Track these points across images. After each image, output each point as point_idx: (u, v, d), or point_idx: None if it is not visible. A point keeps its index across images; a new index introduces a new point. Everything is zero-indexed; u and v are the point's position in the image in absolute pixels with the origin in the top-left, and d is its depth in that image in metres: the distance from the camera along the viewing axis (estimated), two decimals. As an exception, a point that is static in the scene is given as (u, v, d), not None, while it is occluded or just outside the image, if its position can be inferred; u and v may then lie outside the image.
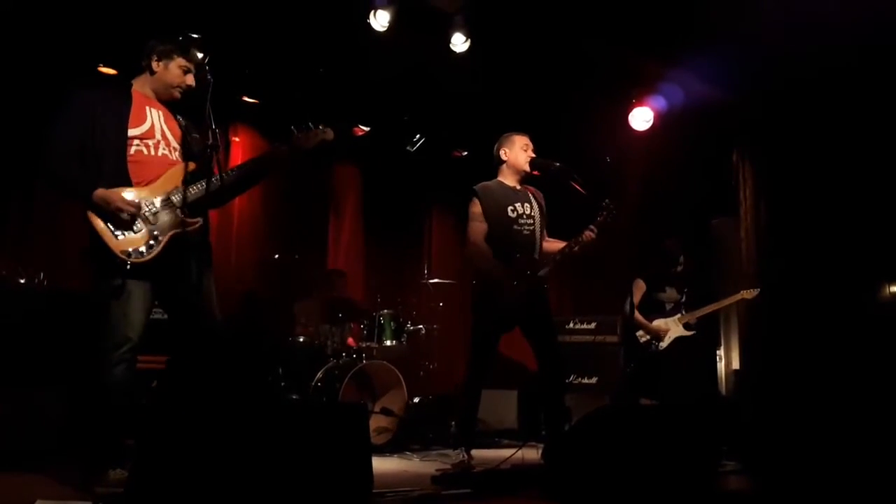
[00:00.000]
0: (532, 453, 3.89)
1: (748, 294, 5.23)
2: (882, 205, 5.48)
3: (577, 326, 5.82)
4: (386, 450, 4.64)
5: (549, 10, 4.91)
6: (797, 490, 3.31)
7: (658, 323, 5.23)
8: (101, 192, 2.83)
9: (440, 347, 6.07)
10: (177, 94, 3.10)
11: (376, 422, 4.72)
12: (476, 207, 3.91)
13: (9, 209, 5.07)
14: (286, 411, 2.65)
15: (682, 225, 6.32)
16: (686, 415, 3.22)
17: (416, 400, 5.21)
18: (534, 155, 3.99)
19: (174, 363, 3.13)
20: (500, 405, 5.42)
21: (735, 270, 6.25)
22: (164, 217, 2.93)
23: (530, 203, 3.97)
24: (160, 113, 3.08)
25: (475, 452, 3.87)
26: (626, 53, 5.39)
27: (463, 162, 7.18)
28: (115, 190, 2.86)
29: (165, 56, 3.06)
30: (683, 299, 5.30)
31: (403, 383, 4.99)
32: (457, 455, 3.81)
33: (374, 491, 2.68)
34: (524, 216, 3.91)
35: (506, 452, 3.90)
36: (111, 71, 5.15)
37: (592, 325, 5.77)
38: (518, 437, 5.00)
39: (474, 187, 3.97)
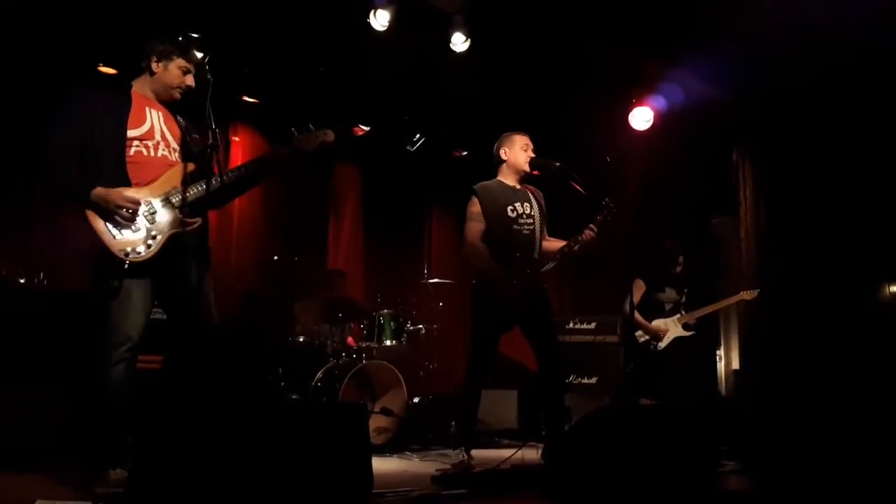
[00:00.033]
0: (532, 453, 3.89)
1: (748, 295, 5.23)
2: (882, 205, 5.48)
3: (577, 326, 5.82)
4: (386, 450, 4.64)
5: (549, 10, 4.91)
6: (797, 490, 3.31)
7: (657, 323, 5.23)
8: (100, 190, 2.83)
9: (440, 347, 6.07)
10: (177, 94, 3.10)
11: (376, 422, 4.72)
12: (475, 207, 3.91)
13: (9, 209, 5.07)
14: (286, 411, 2.65)
15: (682, 225, 6.32)
16: (686, 415, 3.22)
17: (416, 400, 5.22)
18: (534, 155, 3.99)
19: (171, 364, 3.12)
20: (500, 405, 5.42)
21: (735, 270, 6.25)
22: (163, 217, 2.92)
23: (530, 203, 3.96)
24: (160, 114, 3.08)
25: (475, 452, 3.87)
26: (626, 53, 5.39)
27: (463, 162, 7.17)
28: (115, 189, 2.86)
29: (165, 57, 3.06)
30: (683, 300, 5.30)
31: (403, 383, 4.99)
32: (457, 455, 3.81)
33: (374, 491, 2.68)
34: (524, 216, 3.90)
35: (506, 452, 3.90)
36: (111, 71, 5.15)
37: (592, 325, 5.77)
38: (518, 437, 5.00)
39: (474, 187, 3.97)
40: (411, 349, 5.71)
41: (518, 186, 4.01)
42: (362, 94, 6.04)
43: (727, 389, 6.38)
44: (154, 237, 2.89)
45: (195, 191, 2.96)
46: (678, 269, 5.33)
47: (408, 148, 6.99)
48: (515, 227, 3.87)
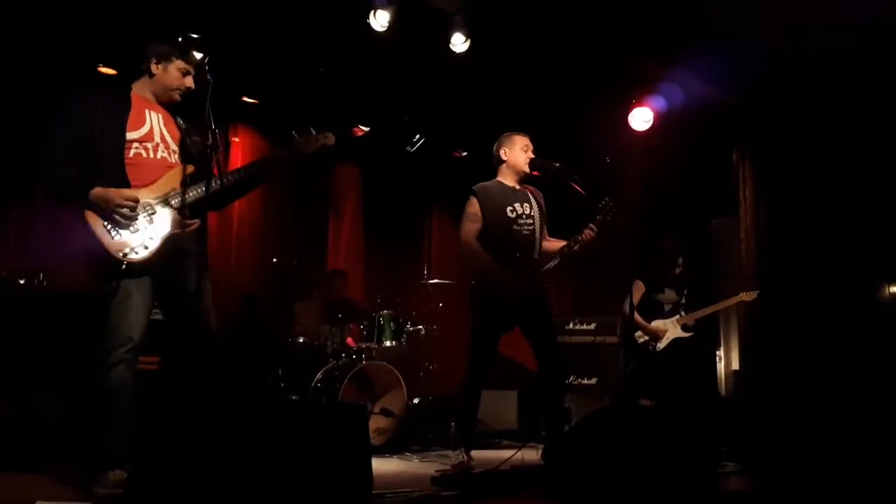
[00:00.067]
0: (532, 454, 3.89)
1: (747, 296, 5.23)
2: (882, 205, 5.48)
3: (577, 327, 5.82)
4: (386, 450, 4.64)
5: (549, 11, 4.91)
6: (797, 490, 3.31)
7: (656, 324, 5.23)
8: (98, 190, 2.83)
9: (440, 348, 6.07)
10: (176, 96, 3.11)
11: (376, 422, 4.72)
12: (472, 207, 3.90)
13: (9, 209, 5.07)
14: (286, 412, 2.65)
15: (682, 225, 6.32)
16: (686, 415, 3.22)
17: (416, 401, 5.22)
18: (533, 156, 3.99)
19: (168, 368, 3.12)
20: (500, 406, 5.42)
21: (735, 271, 6.25)
22: (162, 218, 2.93)
23: (530, 203, 3.96)
24: (159, 116, 3.08)
25: (475, 453, 3.87)
26: (625, 54, 5.39)
27: (463, 162, 7.18)
28: (115, 188, 2.86)
29: (164, 59, 3.06)
30: (683, 301, 5.30)
31: (403, 384, 4.99)
32: (456, 456, 3.81)
33: (373, 492, 2.68)
34: (524, 216, 3.90)
35: (505, 453, 3.91)
36: (111, 71, 5.15)
37: (592, 326, 5.76)
38: (518, 438, 5.00)
39: (473, 187, 3.96)
40: (411, 350, 5.71)
41: (517, 187, 4.01)
42: (362, 95, 6.04)
43: (727, 390, 6.38)
44: (152, 238, 2.89)
45: (194, 193, 2.96)
46: (677, 270, 5.33)
47: (408, 148, 6.99)
48: (515, 227, 3.87)
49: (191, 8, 4.65)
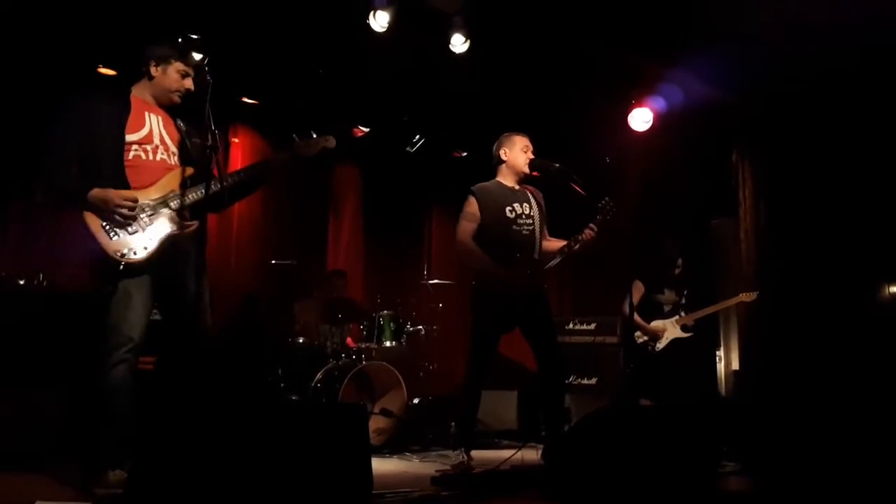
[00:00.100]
0: (532, 454, 3.89)
1: (747, 297, 5.23)
2: (881, 205, 5.48)
3: (577, 327, 5.82)
4: (386, 450, 4.64)
5: (549, 11, 4.91)
6: (797, 490, 3.31)
7: (655, 324, 5.24)
8: (97, 191, 2.84)
9: (440, 348, 6.07)
10: (176, 98, 3.11)
11: (376, 422, 4.72)
12: (470, 207, 3.90)
13: (9, 209, 5.07)
14: (286, 412, 2.65)
15: (682, 225, 6.32)
16: (686, 415, 3.22)
17: (416, 401, 5.22)
18: (533, 156, 3.99)
19: (164, 368, 3.13)
20: (500, 406, 5.42)
21: (734, 271, 6.25)
22: (161, 219, 2.94)
23: (529, 203, 3.96)
24: (159, 118, 3.09)
25: (475, 453, 3.87)
26: (625, 54, 5.39)
27: (463, 162, 7.18)
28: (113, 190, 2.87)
29: (163, 61, 3.07)
30: (683, 301, 5.30)
31: (403, 384, 4.99)
32: (456, 456, 3.81)
33: (373, 492, 2.68)
34: (523, 216, 3.90)
35: (505, 453, 3.91)
36: (111, 72, 5.15)
37: (592, 326, 5.76)
38: (518, 438, 5.00)
39: (471, 188, 3.96)
40: (411, 350, 5.71)
41: (517, 187, 4.01)
42: (362, 95, 6.04)
43: (727, 390, 6.38)
44: (151, 239, 2.90)
45: (194, 194, 2.98)
46: (677, 270, 5.34)
47: (408, 149, 6.99)
48: (515, 227, 3.87)
49: (190, 8, 4.65)
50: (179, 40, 3.14)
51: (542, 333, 3.86)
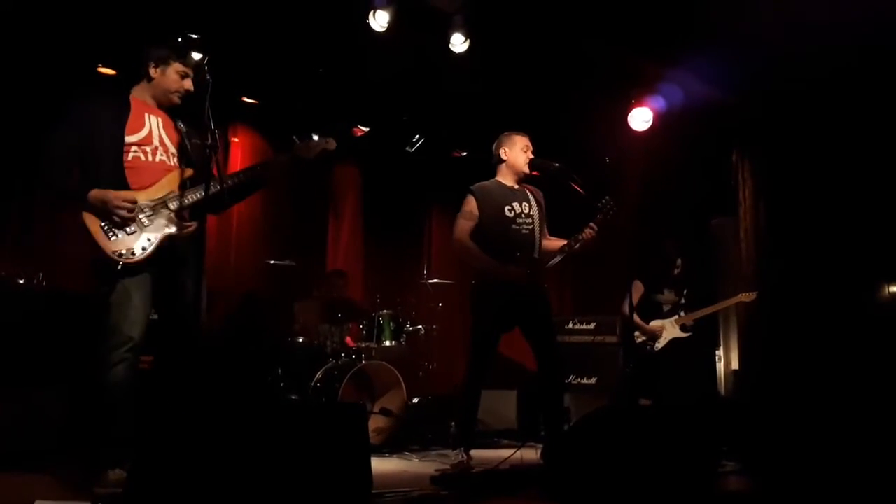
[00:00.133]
0: (531, 453, 3.89)
1: (746, 297, 5.24)
2: (881, 205, 5.48)
3: (577, 326, 5.82)
4: (385, 450, 4.64)
5: (549, 11, 4.91)
6: (797, 490, 3.31)
7: (655, 324, 5.24)
8: (96, 192, 2.85)
9: (439, 348, 6.07)
10: (176, 99, 3.12)
11: (375, 422, 4.72)
12: (469, 205, 3.90)
13: (9, 209, 5.08)
14: (285, 411, 2.65)
15: (682, 225, 6.32)
16: (686, 415, 3.22)
17: (416, 400, 5.22)
18: (533, 156, 3.99)
19: (161, 368, 3.13)
20: (500, 405, 5.42)
21: (734, 271, 6.25)
22: (159, 220, 2.94)
23: (529, 202, 3.96)
24: (159, 119, 3.10)
25: (474, 453, 3.87)
26: (625, 54, 5.39)
27: (463, 162, 7.18)
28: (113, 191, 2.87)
29: (163, 62, 3.08)
30: (682, 301, 5.30)
31: (403, 384, 4.99)
32: (456, 455, 3.80)
33: (373, 491, 2.68)
34: (522, 215, 3.90)
35: (505, 453, 3.91)
36: (110, 71, 5.15)
37: (592, 326, 5.77)
38: (517, 438, 5.00)
39: (471, 187, 3.96)
40: (411, 349, 5.71)
41: (516, 186, 4.00)
42: (362, 95, 6.04)
43: (727, 390, 6.38)
44: (149, 240, 2.90)
45: (193, 195, 2.98)
46: (676, 271, 5.34)
47: (407, 148, 6.99)
48: (514, 226, 3.86)
49: (190, 8, 4.65)
50: (179, 40, 3.15)
51: (542, 333, 3.86)
